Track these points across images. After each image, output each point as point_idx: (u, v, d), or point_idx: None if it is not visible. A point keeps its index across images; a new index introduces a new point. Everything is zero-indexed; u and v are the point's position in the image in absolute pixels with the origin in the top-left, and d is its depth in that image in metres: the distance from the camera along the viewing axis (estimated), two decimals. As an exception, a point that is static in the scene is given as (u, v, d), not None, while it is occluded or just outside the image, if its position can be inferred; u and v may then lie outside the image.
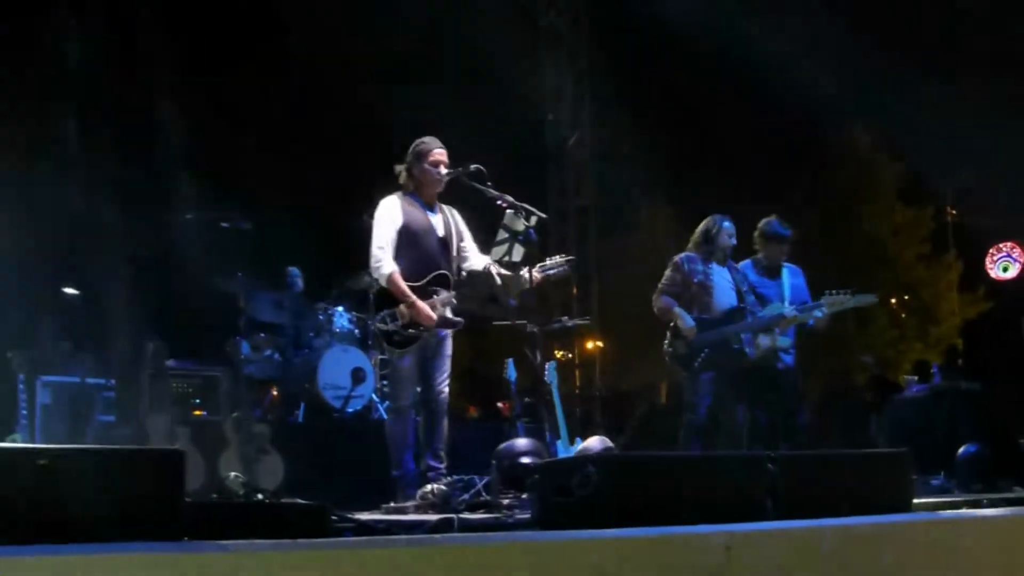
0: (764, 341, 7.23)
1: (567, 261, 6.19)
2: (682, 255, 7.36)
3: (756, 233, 7.71)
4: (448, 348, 6.29)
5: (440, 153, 6.26)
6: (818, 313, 7.26)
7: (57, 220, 9.18)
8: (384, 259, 6.09)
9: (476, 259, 6.38)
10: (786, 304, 7.36)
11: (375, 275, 6.17)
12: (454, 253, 6.33)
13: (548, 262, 6.15)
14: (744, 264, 7.64)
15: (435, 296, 6.10)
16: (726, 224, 7.32)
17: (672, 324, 7.21)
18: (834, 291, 7.20)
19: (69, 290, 9.11)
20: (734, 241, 7.35)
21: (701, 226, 7.41)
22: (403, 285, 6.05)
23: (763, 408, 7.42)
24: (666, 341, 7.31)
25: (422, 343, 6.11)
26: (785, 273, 7.63)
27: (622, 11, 17.24)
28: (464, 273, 6.33)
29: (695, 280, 7.21)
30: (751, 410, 7.36)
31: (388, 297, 6.14)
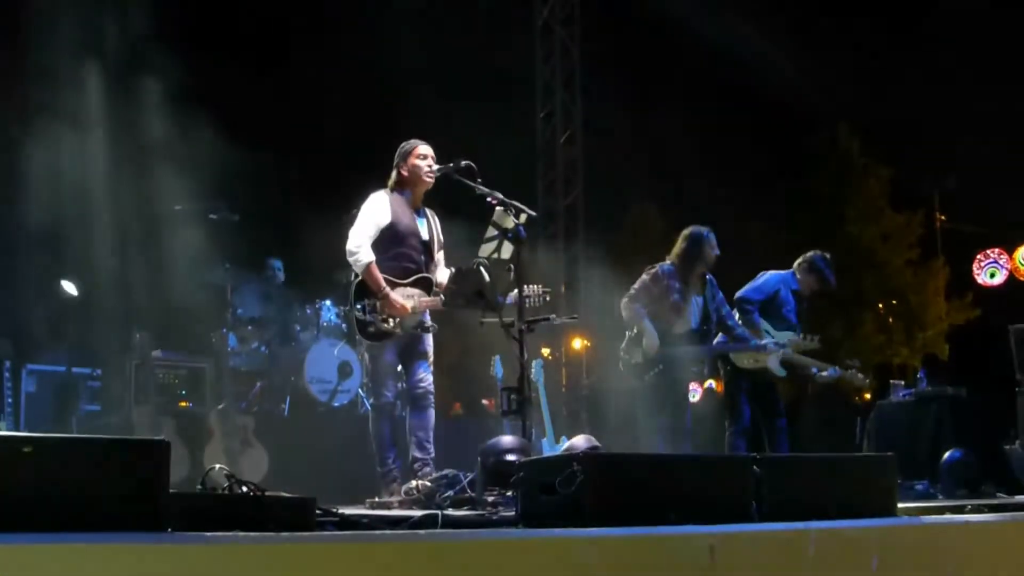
0: (772, 364, 7.29)
1: (544, 293, 6.18)
2: (663, 266, 7.20)
3: (805, 261, 7.66)
4: (427, 342, 6.28)
5: (425, 148, 6.28)
6: (829, 373, 7.53)
7: (45, 210, 9.12)
8: (363, 248, 6.08)
9: (441, 273, 6.37)
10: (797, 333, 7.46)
11: (352, 263, 6.14)
12: (433, 259, 6.34)
13: (527, 290, 6.10)
14: (786, 275, 7.65)
15: (405, 291, 6.10)
16: (705, 234, 7.18)
17: (634, 331, 7.16)
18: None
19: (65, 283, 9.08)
20: (717, 251, 7.22)
21: (686, 240, 7.22)
22: (379, 277, 6.05)
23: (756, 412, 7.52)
24: (622, 346, 7.26)
25: (398, 338, 6.12)
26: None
27: (615, 9, 17.25)
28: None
29: (671, 297, 7.09)
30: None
31: (367, 287, 6.12)
